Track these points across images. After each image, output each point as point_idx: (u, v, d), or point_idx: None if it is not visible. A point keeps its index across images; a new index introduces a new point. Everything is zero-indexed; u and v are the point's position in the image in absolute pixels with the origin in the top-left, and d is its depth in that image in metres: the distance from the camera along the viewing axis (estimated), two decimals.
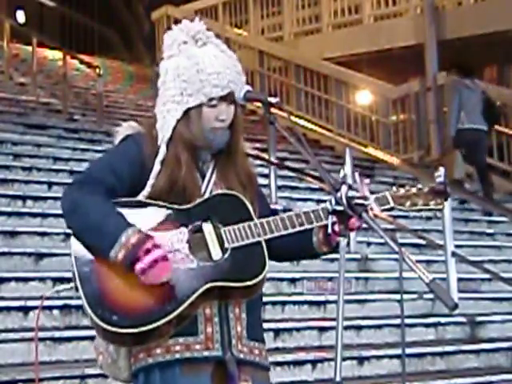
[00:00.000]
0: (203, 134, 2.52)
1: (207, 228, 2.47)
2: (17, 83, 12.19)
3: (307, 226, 2.53)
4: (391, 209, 2.58)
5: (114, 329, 2.35)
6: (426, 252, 7.80)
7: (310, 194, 8.72)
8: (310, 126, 11.63)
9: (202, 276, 2.40)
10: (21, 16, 18.53)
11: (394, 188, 2.61)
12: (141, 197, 2.49)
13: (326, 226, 2.50)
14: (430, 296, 6.36)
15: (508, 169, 11.00)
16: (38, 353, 2.73)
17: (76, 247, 2.44)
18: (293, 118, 9.37)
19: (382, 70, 12.72)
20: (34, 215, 6.45)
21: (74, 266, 2.42)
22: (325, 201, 2.51)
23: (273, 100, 2.51)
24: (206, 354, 2.43)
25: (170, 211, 2.47)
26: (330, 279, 6.52)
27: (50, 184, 7.25)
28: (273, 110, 2.52)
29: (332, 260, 6.73)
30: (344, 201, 2.38)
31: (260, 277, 2.44)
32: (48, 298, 2.97)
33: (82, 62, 12.23)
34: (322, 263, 6.81)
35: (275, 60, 13.78)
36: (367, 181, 2.56)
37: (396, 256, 2.23)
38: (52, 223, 6.38)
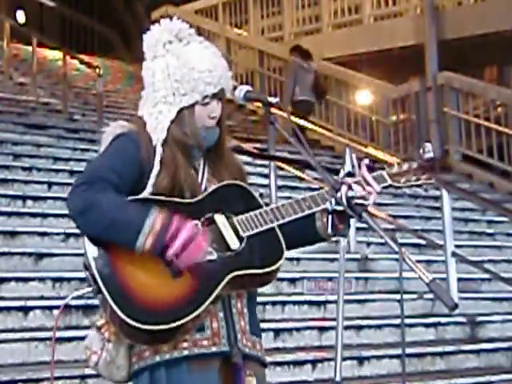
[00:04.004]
0: (196, 132, 2.52)
1: (220, 219, 2.47)
2: (17, 83, 12.18)
3: (316, 209, 2.55)
4: (388, 186, 2.62)
5: (146, 327, 2.31)
6: (426, 252, 7.80)
7: (309, 194, 8.70)
8: (310, 125, 11.61)
9: (224, 267, 2.41)
10: (21, 16, 18.52)
11: (387, 167, 2.66)
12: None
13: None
14: (430, 296, 6.35)
15: (508, 169, 10.99)
16: (54, 353, 2.72)
17: (92, 249, 2.39)
18: (293, 117, 9.39)
19: (382, 70, 12.72)
20: (34, 215, 6.44)
21: (94, 269, 2.36)
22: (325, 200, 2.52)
23: (273, 100, 2.52)
24: (213, 349, 2.42)
25: (178, 206, 2.44)
26: (330, 279, 6.51)
27: (50, 184, 7.24)
28: (273, 109, 2.53)
29: (332, 260, 6.73)
30: (344, 201, 2.38)
31: (280, 262, 2.47)
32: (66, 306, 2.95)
33: (82, 62, 12.21)
34: (321, 263, 6.82)
35: (275, 60, 13.78)
36: (366, 161, 2.59)
37: (396, 256, 2.23)
38: (52, 223, 6.38)
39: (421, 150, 2.64)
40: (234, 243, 2.45)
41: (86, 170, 2.51)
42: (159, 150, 2.50)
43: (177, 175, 2.48)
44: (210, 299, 2.37)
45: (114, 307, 2.33)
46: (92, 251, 2.39)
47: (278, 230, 2.51)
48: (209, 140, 2.56)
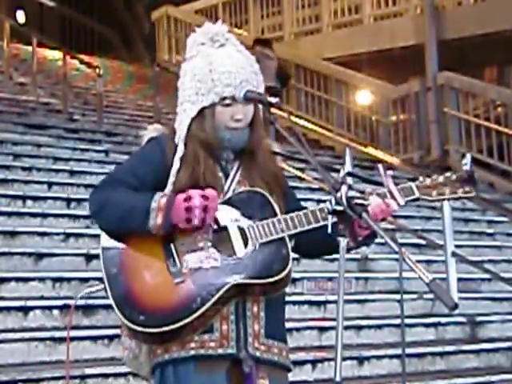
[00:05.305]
0: (217, 133, 2.54)
1: (231, 225, 2.48)
2: (17, 83, 12.18)
3: (332, 220, 2.49)
4: (416, 199, 2.56)
5: (140, 329, 2.39)
6: (426, 252, 7.80)
7: (310, 193, 8.71)
8: (310, 125, 11.62)
9: (227, 273, 2.42)
10: (21, 16, 18.54)
11: (421, 178, 2.59)
12: None
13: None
14: (430, 296, 6.35)
15: (508, 169, 10.98)
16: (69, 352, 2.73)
17: (104, 249, 2.49)
18: (293, 117, 9.40)
19: (382, 70, 12.72)
20: (34, 215, 6.44)
21: (103, 268, 2.46)
22: (325, 201, 2.51)
23: (273, 100, 2.51)
24: (220, 351, 2.45)
25: None
26: (330, 279, 6.51)
27: (50, 184, 7.24)
28: (273, 109, 2.53)
29: (332, 260, 6.72)
30: (344, 201, 2.38)
31: (284, 272, 2.45)
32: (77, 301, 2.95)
33: (82, 61, 12.22)
34: (322, 263, 6.81)
35: None
36: (391, 172, 2.56)
37: (396, 256, 2.23)
38: (52, 223, 6.38)
39: (463, 161, 2.56)
40: (241, 250, 2.45)
41: (110, 172, 2.63)
42: (181, 147, 2.54)
43: (196, 173, 2.51)
44: (209, 304, 2.39)
45: (114, 307, 2.41)
46: (104, 252, 2.48)
47: (287, 240, 2.50)
48: (234, 142, 2.56)
